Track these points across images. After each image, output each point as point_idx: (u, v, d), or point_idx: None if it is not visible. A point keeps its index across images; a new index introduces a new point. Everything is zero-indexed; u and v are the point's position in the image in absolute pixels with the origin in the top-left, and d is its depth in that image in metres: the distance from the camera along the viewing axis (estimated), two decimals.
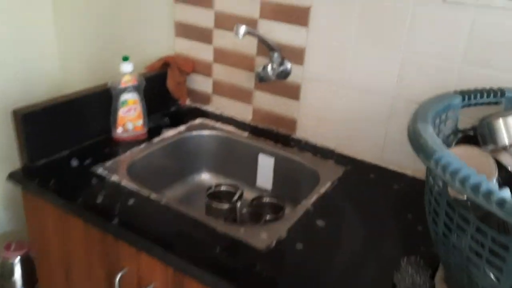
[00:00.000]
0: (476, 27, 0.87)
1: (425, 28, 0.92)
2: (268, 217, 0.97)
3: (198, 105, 1.33)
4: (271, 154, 1.12)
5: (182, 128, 1.19)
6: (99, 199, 0.88)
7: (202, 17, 1.22)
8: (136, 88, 1.07)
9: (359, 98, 1.05)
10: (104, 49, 1.48)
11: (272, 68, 1.07)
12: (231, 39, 1.19)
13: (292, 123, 1.18)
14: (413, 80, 0.97)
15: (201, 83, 1.31)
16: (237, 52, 1.20)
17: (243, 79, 1.22)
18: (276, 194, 1.06)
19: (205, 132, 1.19)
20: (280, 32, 1.10)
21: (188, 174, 1.21)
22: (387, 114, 1.03)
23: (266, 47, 1.09)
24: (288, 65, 1.10)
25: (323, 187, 0.96)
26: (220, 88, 1.28)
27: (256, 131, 1.20)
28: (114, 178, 0.95)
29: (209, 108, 1.32)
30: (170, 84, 1.25)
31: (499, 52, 0.86)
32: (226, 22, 1.18)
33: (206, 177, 1.23)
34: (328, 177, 1.00)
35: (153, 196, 0.90)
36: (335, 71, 1.06)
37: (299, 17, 1.07)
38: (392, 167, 1.05)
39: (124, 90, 1.06)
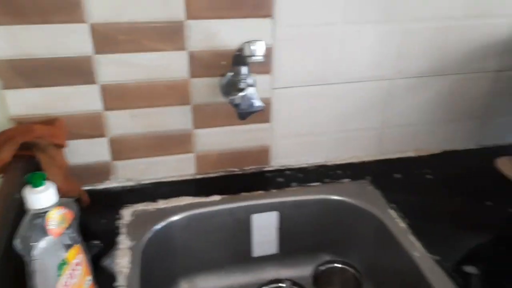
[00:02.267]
0: None
1: None
2: None
3: (90, 187, 0.78)
4: (269, 207, 0.78)
5: (126, 242, 0.67)
6: None
7: (63, 40, 0.66)
8: (75, 228, 0.50)
9: (349, 93, 0.82)
10: None
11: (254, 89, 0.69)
12: (134, 64, 0.70)
13: (263, 154, 0.84)
14: (411, 52, 0.81)
15: (86, 152, 0.75)
16: (151, 82, 0.72)
17: (171, 119, 0.76)
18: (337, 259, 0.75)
19: (174, 217, 0.71)
20: (228, 34, 0.71)
21: None
22: (384, 99, 0.85)
23: (235, 60, 0.68)
24: (249, 78, 0.74)
25: (387, 217, 0.73)
26: (126, 148, 0.77)
27: (219, 186, 0.80)
28: None
29: (113, 184, 0.79)
30: (58, 180, 0.66)
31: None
32: (117, 37, 0.67)
33: None
34: (376, 203, 0.77)
35: None
36: (317, 68, 0.78)
37: (257, 5, 0.70)
38: (399, 155, 0.91)
39: (55, 244, 0.48)
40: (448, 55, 0.83)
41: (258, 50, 0.59)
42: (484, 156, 0.92)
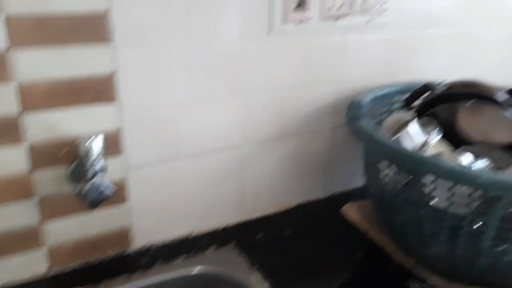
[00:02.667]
0: (300, 52, 0.88)
1: (256, 63, 0.84)
2: None
3: None
4: None
5: None
6: None
7: None
8: None
9: (205, 163, 0.85)
10: None
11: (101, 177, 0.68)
12: None
13: (124, 236, 0.81)
14: (256, 121, 0.88)
15: None
16: None
17: (14, 215, 0.70)
18: None
19: None
20: (71, 122, 0.69)
21: None
22: (238, 165, 0.90)
23: (78, 150, 0.66)
24: (99, 162, 0.72)
25: (251, 281, 0.77)
26: None
27: (77, 278, 0.75)
28: None
29: None
30: None
31: (325, 67, 0.92)
32: None
33: None
34: (240, 269, 0.79)
35: None
36: (170, 144, 0.80)
37: (100, 90, 0.70)
38: (260, 213, 0.96)
39: None
40: (289, 120, 0.92)
41: (94, 147, 0.59)
42: (333, 204, 1.02)
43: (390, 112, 0.98)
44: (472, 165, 0.74)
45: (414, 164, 0.65)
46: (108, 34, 0.68)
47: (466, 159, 0.74)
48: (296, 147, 0.96)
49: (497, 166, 0.79)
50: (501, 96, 0.87)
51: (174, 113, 0.78)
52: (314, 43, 0.88)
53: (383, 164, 0.76)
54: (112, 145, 0.74)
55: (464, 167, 0.66)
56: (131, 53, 0.71)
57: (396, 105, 0.98)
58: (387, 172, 0.75)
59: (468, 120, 0.90)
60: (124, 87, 0.72)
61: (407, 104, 0.93)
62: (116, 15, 0.68)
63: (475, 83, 0.90)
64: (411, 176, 0.69)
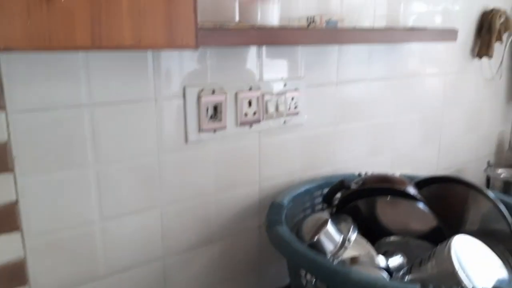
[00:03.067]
0: (219, 156, 0.89)
1: (174, 171, 0.84)
2: None
3: None
4: None
5: None
6: None
7: None
8: None
9: (122, 282, 0.81)
10: None
11: None
12: None
13: None
14: (177, 230, 0.86)
15: None
16: None
17: None
18: None
19: None
20: None
21: None
22: (161, 278, 0.86)
23: None
24: None
25: None
26: None
27: None
28: None
29: None
30: None
31: (246, 168, 0.94)
32: None
33: None
34: None
35: None
36: (82, 267, 0.76)
37: (3, 221, 0.67)
38: None
39: None
40: (212, 224, 0.91)
41: None
42: None
43: (313, 207, 1.00)
44: (387, 265, 0.76)
45: (325, 276, 0.66)
46: (8, 163, 0.66)
47: (381, 261, 0.76)
48: (223, 250, 0.94)
49: (414, 261, 0.81)
50: (411, 190, 0.92)
51: (86, 233, 0.75)
52: (232, 148, 0.90)
53: (303, 270, 0.75)
54: (16, 276, 0.69)
55: (373, 278, 0.66)
56: (34, 179, 0.69)
57: (318, 200, 1.01)
58: (308, 277, 0.75)
59: (386, 213, 0.93)
60: (27, 215, 0.69)
61: (326, 201, 0.96)
62: (17, 144, 0.66)
63: (387, 178, 0.95)
64: (327, 284, 0.69)
